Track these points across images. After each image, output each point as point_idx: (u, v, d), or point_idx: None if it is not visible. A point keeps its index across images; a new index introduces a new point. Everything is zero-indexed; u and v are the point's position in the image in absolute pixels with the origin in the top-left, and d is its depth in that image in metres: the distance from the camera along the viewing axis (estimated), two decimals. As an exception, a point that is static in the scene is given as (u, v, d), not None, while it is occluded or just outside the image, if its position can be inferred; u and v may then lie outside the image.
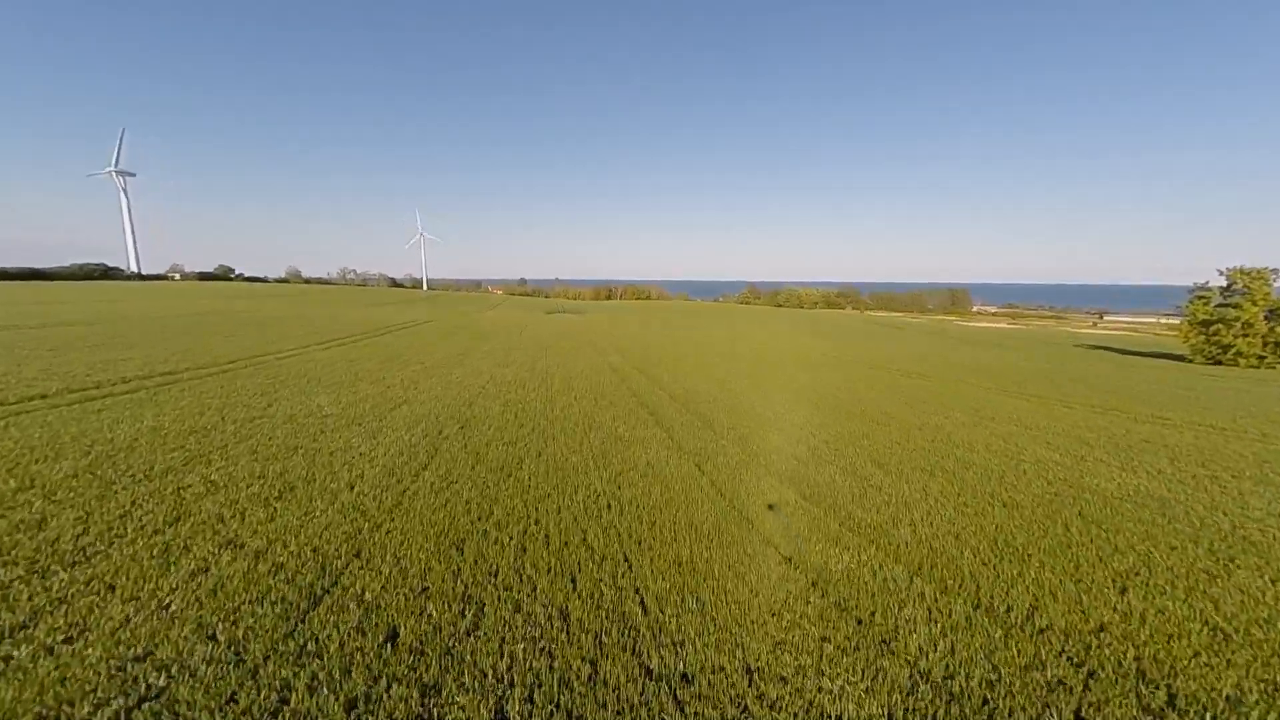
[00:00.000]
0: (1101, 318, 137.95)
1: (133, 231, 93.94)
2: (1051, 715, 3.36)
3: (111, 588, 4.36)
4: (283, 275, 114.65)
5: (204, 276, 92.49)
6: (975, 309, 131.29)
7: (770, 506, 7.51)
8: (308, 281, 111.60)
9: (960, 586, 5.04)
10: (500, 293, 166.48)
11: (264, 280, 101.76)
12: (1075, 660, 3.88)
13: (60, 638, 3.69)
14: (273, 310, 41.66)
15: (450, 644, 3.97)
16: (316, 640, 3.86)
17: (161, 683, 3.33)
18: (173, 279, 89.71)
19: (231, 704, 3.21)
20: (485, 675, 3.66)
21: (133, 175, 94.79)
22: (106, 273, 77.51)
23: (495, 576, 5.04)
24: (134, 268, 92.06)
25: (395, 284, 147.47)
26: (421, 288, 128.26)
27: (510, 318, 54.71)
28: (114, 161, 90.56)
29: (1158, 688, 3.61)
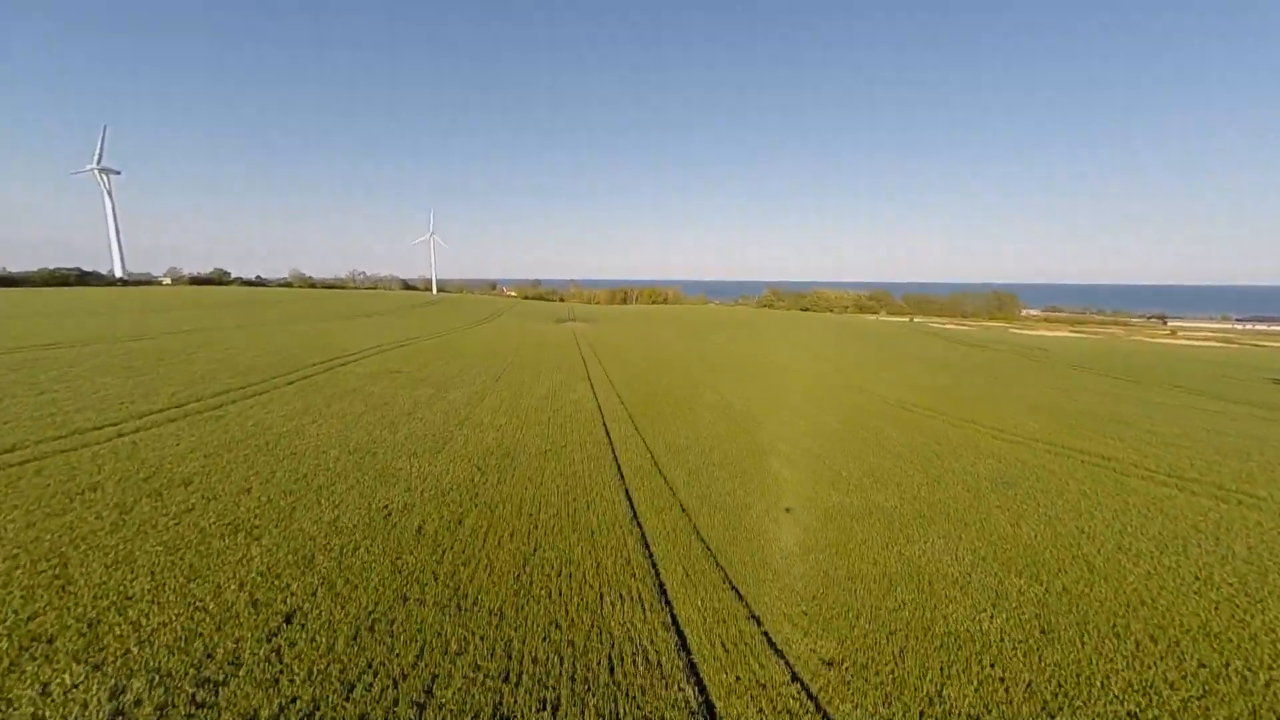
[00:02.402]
0: (1165, 322, 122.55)
1: (117, 233, 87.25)
2: None
3: None
4: (286, 278, 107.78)
5: (197, 281, 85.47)
6: (1024, 313, 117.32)
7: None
8: (313, 285, 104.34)
9: None
10: (513, 294, 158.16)
11: (263, 284, 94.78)
12: None
13: None
14: (193, 331, 32.81)
15: None
16: None
17: None
18: (162, 283, 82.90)
19: None
20: None
21: (117, 173, 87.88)
22: (82, 277, 70.75)
23: None
24: (118, 271, 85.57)
25: (407, 286, 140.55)
26: (432, 289, 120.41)
27: (508, 333, 45.18)
28: (96, 159, 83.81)
29: None
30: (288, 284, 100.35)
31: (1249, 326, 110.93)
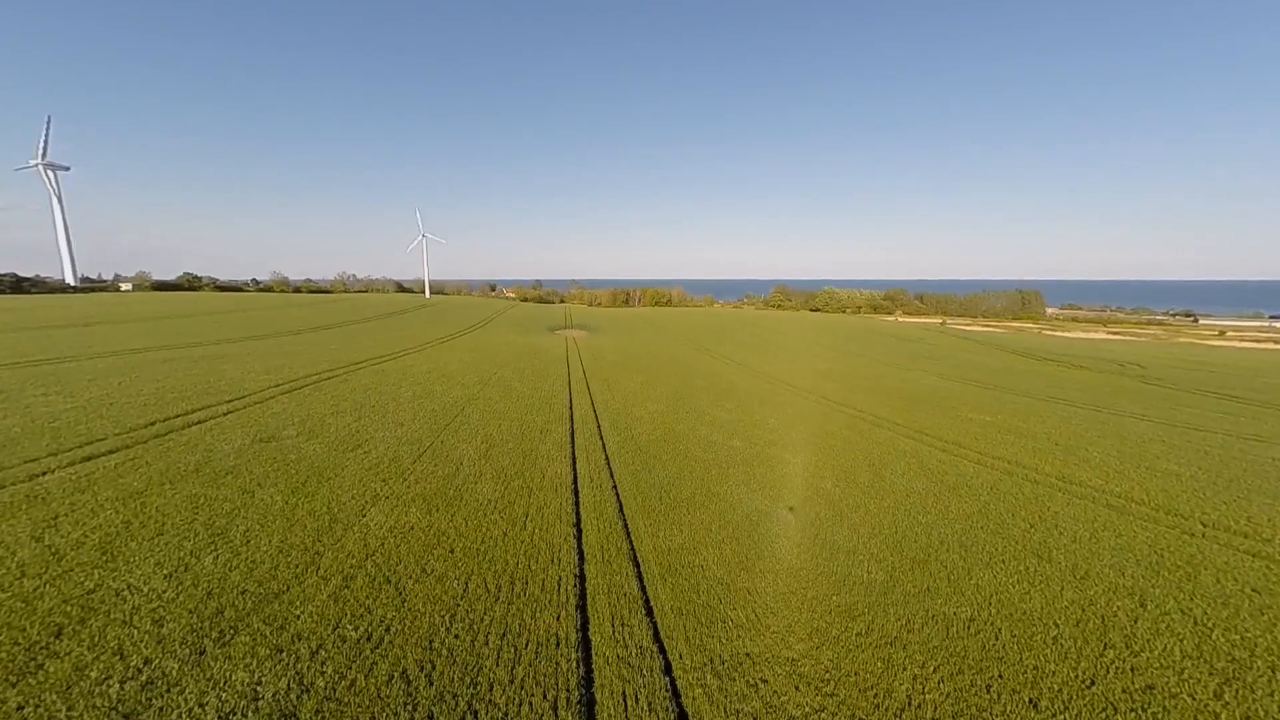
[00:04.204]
0: (1196, 320, 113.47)
1: (67, 235, 78.77)
2: None
3: None
4: (266, 281, 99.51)
5: (161, 286, 77.42)
6: (1050, 313, 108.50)
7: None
8: (297, 289, 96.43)
9: None
10: (512, 295, 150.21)
11: (239, 289, 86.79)
12: None
13: None
14: (36, 362, 25.00)
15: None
16: None
17: None
18: (119, 289, 74.91)
19: None
20: None
21: (65, 169, 79.25)
22: (18, 284, 62.63)
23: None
24: (68, 277, 77.34)
25: (402, 288, 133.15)
26: (425, 292, 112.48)
27: (488, 348, 37.10)
28: (40, 153, 75.23)
29: None
30: (268, 289, 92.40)
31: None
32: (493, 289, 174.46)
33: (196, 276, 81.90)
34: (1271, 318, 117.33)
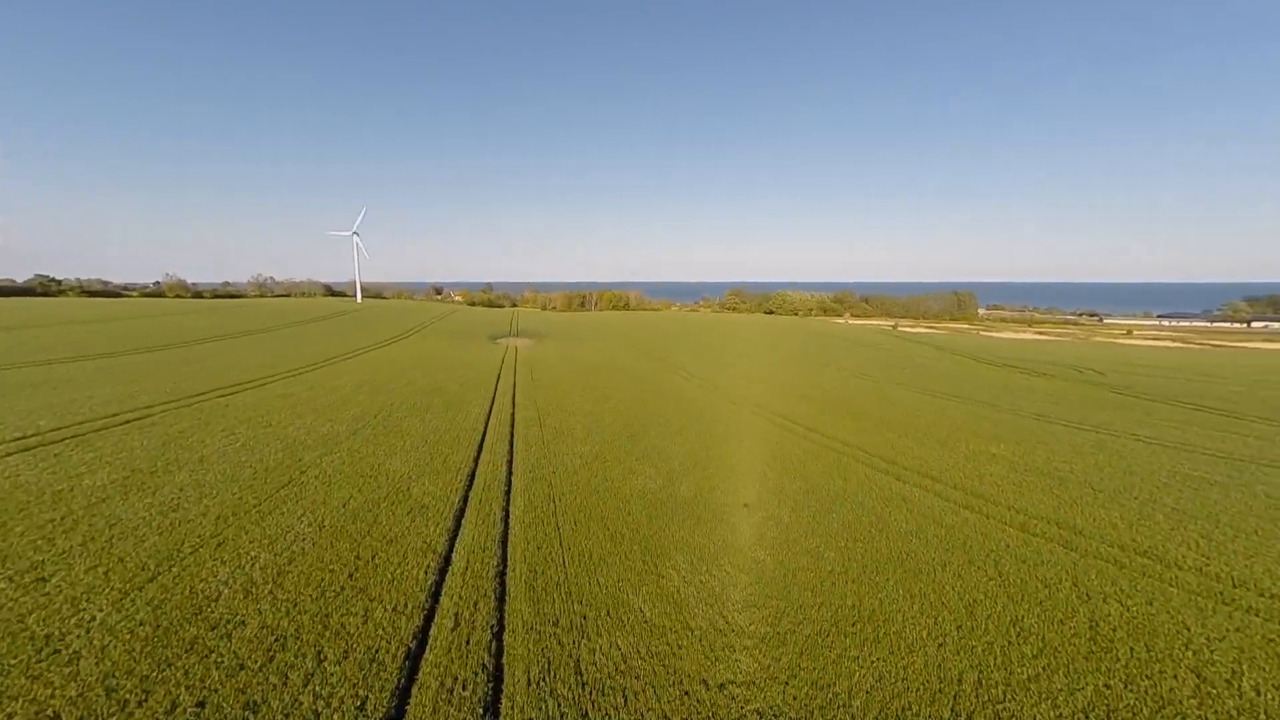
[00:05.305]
0: (1101, 320, 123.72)
1: None
2: None
3: None
4: (158, 285, 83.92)
5: (3, 292, 61.93)
6: (981, 314, 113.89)
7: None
8: (197, 294, 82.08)
9: None
10: (459, 298, 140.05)
11: (117, 294, 72.18)
12: None
13: None
14: None
15: None
16: None
17: None
18: None
19: None
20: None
21: None
22: None
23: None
24: None
25: (331, 292, 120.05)
26: (356, 296, 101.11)
27: (401, 365, 30.71)
28: None
29: None
30: (159, 294, 78.17)
31: (1175, 323, 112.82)
32: (438, 292, 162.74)
33: (54, 279, 66.34)
34: (1160, 317, 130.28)
